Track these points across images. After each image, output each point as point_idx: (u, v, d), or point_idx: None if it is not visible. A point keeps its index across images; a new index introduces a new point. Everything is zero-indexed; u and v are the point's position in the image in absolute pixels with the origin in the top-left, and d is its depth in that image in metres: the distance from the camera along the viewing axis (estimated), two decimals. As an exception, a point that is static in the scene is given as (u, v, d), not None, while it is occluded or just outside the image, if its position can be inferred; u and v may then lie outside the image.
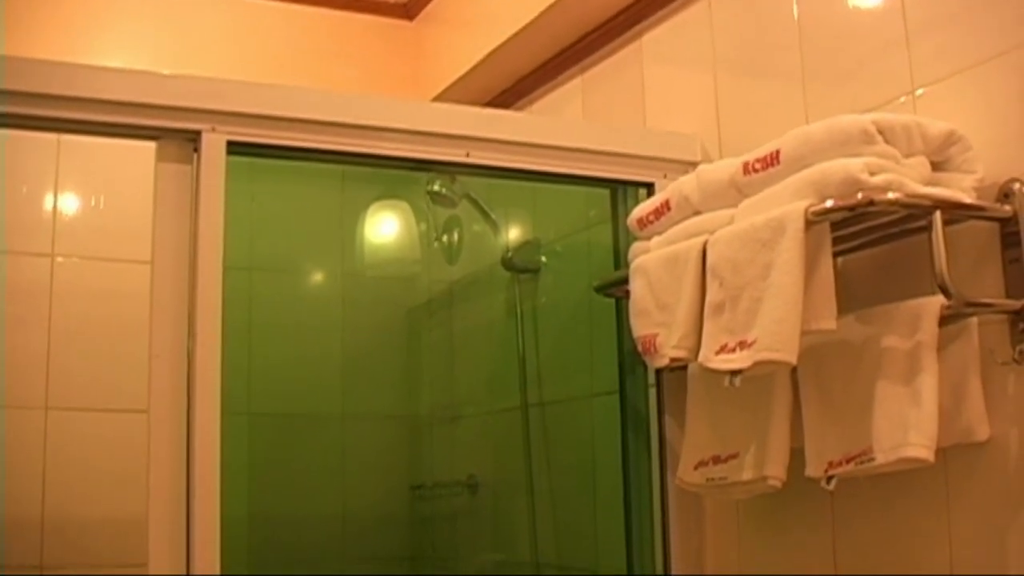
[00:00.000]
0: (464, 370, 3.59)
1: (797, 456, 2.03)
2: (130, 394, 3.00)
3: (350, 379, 3.53)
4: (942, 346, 1.84)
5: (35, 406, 3.11)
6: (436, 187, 3.18)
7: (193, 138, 2.13)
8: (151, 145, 2.14)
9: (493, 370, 3.41)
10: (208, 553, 2.02)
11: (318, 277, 3.69)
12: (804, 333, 1.84)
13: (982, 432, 1.86)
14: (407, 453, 3.66)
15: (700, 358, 2.02)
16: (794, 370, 2.04)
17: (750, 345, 1.89)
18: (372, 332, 3.62)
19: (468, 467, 3.42)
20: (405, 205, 3.51)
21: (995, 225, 1.88)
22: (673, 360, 2.11)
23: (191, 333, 2.08)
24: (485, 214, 3.28)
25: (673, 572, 2.46)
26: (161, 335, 2.09)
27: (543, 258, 3.12)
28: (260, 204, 3.22)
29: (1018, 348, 1.83)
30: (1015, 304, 1.83)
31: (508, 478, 3.29)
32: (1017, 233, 1.85)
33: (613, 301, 2.55)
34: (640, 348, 2.22)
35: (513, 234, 3.27)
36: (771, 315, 1.86)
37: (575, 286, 2.89)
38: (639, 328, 2.22)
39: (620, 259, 2.51)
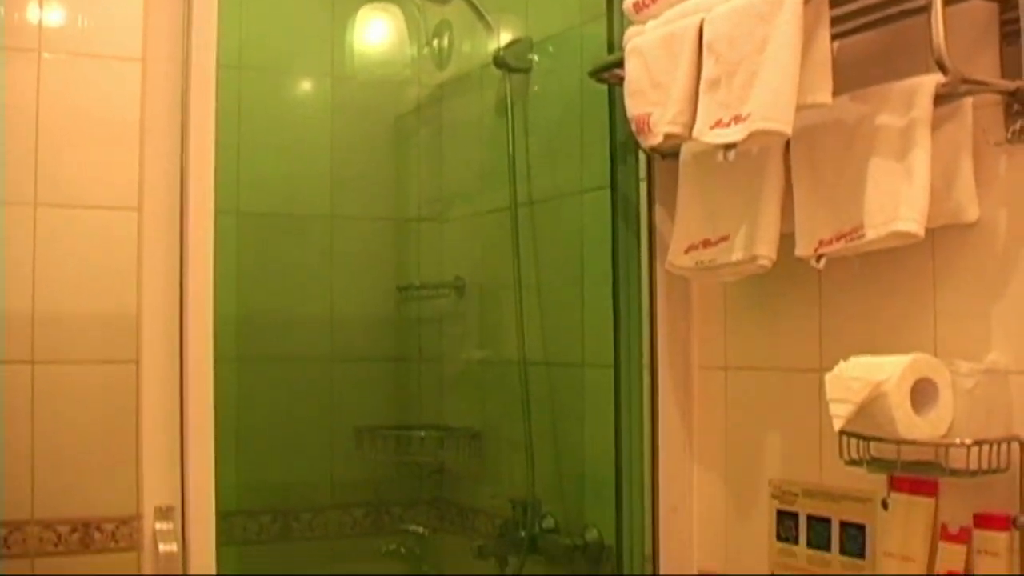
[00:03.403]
0: (453, 171, 3.60)
1: (786, 242, 2.06)
2: (121, 191, 2.99)
3: (338, 180, 3.53)
4: (936, 126, 1.84)
5: (23, 202, 3.09)
6: (430, -19, 3.16)
7: (187, -91, 2.08)
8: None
9: (482, 170, 3.41)
10: (201, 349, 2.03)
11: (308, 80, 3.66)
12: (799, 107, 1.84)
13: (971, 212, 1.88)
14: (394, 254, 3.69)
15: (695, 133, 2.01)
16: (786, 153, 2.06)
17: (745, 119, 1.88)
18: (361, 134, 3.61)
19: (455, 268, 3.46)
20: (396, 8, 3.48)
21: (993, 7, 1.87)
22: (667, 137, 2.09)
23: (184, 128, 2.06)
24: (479, 13, 3.24)
25: (659, 361, 2.50)
26: (153, 132, 2.07)
27: (535, 56, 3.09)
28: (251, 6, 3.18)
29: (1011, 129, 1.84)
30: (1010, 84, 1.83)
31: (495, 278, 3.32)
32: (1016, 18, 1.84)
33: (605, 96, 2.53)
34: (634, 128, 2.21)
35: (505, 33, 3.23)
36: (767, 87, 1.85)
37: (567, 83, 2.86)
38: (633, 108, 2.21)
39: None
